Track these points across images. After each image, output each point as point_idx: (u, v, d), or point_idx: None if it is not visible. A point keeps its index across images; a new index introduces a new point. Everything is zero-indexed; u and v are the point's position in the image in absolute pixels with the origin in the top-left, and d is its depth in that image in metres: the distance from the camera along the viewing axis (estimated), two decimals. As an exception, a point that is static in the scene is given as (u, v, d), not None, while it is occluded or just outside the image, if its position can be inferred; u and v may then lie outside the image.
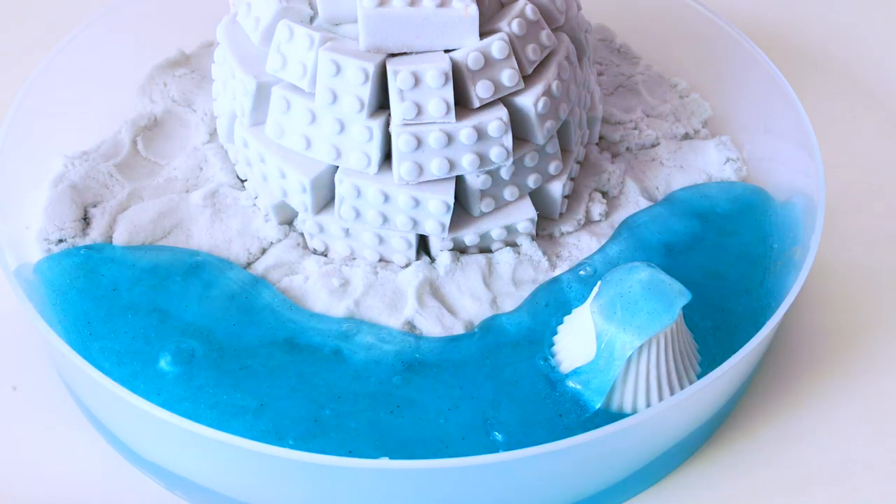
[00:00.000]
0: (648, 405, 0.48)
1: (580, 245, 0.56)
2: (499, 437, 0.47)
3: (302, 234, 0.56)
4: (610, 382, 0.48)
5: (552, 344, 0.51)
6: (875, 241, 0.63)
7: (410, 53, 0.50)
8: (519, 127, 0.53)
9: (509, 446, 0.46)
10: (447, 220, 0.53)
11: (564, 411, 0.48)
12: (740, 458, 0.53)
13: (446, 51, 0.50)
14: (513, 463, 0.44)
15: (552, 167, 0.55)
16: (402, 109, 0.50)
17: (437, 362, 0.50)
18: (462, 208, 0.54)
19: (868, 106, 0.72)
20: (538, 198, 0.56)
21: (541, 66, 0.53)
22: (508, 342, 0.51)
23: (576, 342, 0.49)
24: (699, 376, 0.49)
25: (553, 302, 0.53)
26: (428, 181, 0.52)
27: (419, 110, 0.50)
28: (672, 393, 0.48)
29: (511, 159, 0.52)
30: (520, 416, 0.48)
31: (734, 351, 0.48)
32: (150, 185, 0.58)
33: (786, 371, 0.56)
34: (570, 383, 0.49)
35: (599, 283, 0.49)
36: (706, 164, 0.61)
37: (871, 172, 0.67)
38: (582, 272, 0.55)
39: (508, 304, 0.54)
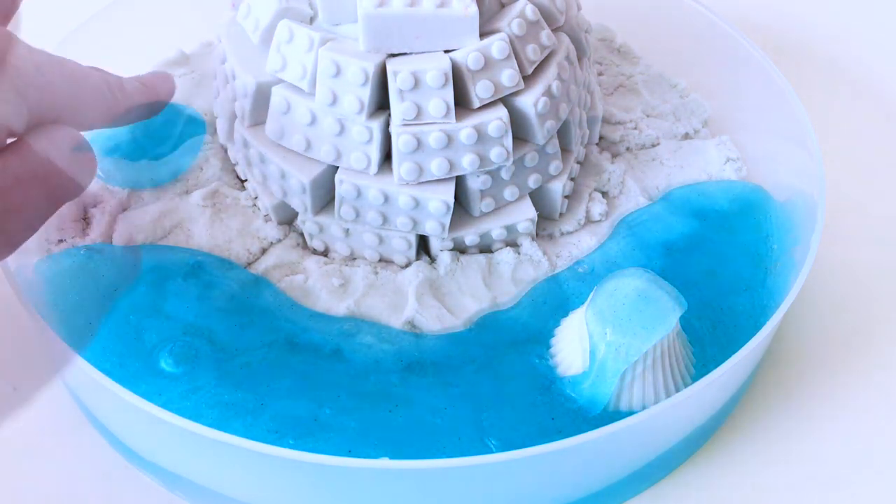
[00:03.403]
0: (643, 408, 0.48)
1: (580, 245, 0.56)
2: (492, 441, 0.47)
3: (302, 234, 0.56)
4: (606, 397, 0.48)
5: (549, 346, 0.51)
6: (875, 241, 0.63)
7: (410, 54, 0.50)
8: (519, 127, 0.53)
9: (501, 448, 0.46)
10: (447, 220, 0.53)
11: (558, 414, 0.48)
12: (740, 458, 0.53)
13: (446, 51, 0.50)
14: (511, 463, 0.44)
15: (552, 167, 0.55)
16: (402, 110, 0.50)
17: (435, 361, 0.50)
18: (462, 208, 0.54)
19: (868, 106, 0.72)
20: (538, 198, 0.56)
21: (541, 66, 0.53)
22: (506, 340, 0.51)
23: (573, 346, 0.49)
24: (694, 378, 0.49)
25: (551, 299, 0.53)
26: (428, 181, 0.52)
27: (419, 111, 0.50)
28: (668, 396, 0.48)
29: (511, 159, 0.52)
30: (514, 417, 0.48)
31: (734, 350, 0.48)
32: (150, 186, 0.58)
33: (786, 371, 0.56)
34: (566, 390, 0.49)
35: (595, 289, 0.49)
36: (706, 164, 0.61)
37: (871, 172, 0.67)
38: (580, 269, 0.55)
39: (508, 304, 0.54)
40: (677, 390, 0.48)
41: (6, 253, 0.39)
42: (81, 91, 0.43)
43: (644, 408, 0.48)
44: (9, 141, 0.41)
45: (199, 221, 0.56)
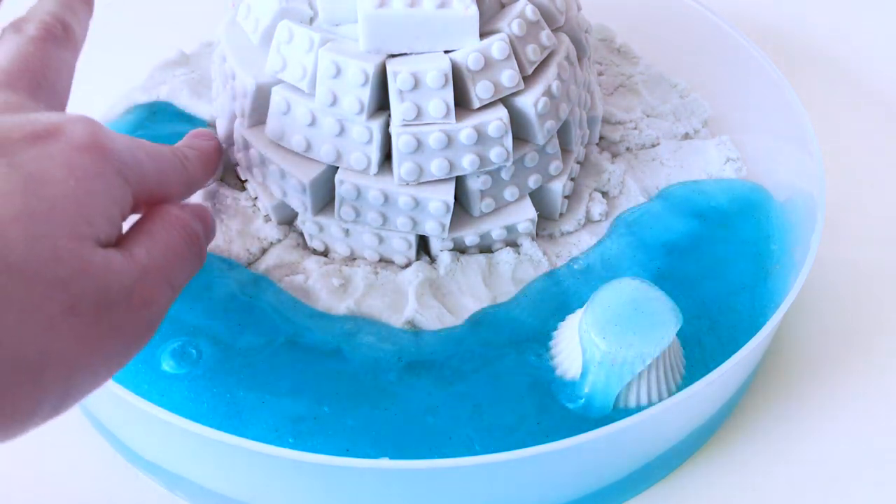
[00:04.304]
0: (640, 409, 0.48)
1: (580, 245, 0.56)
2: (491, 441, 0.47)
3: (302, 235, 0.56)
4: (604, 411, 0.48)
5: (549, 348, 0.51)
6: (875, 241, 0.63)
7: (410, 54, 0.50)
8: (519, 127, 0.53)
9: (500, 448, 0.46)
10: (447, 220, 0.53)
11: (556, 414, 0.48)
12: (740, 458, 0.53)
13: (446, 51, 0.50)
14: (510, 464, 0.44)
15: (552, 167, 0.55)
16: (402, 110, 0.50)
17: (435, 360, 0.50)
18: (462, 209, 0.54)
19: (868, 105, 0.72)
20: (538, 198, 0.56)
21: (541, 66, 0.53)
22: (505, 338, 0.51)
23: (572, 347, 0.49)
24: (692, 379, 0.49)
25: (549, 298, 0.53)
26: (428, 182, 0.52)
27: (419, 111, 0.50)
28: (666, 396, 0.48)
29: (511, 160, 0.52)
30: (512, 416, 0.48)
31: (733, 351, 0.48)
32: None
33: (786, 371, 0.56)
34: (564, 396, 0.49)
35: (591, 299, 0.48)
36: (706, 164, 0.61)
37: (871, 172, 0.67)
38: (575, 266, 0.55)
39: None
40: (677, 390, 0.48)
41: (147, 339, 0.40)
42: (165, 167, 0.44)
43: (641, 408, 0.48)
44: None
45: (199, 222, 0.56)
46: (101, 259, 0.37)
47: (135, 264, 0.39)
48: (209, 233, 0.46)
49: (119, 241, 0.40)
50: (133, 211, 0.42)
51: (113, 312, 0.37)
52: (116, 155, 0.40)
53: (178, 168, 0.46)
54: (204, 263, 0.44)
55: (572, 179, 0.58)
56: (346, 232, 0.54)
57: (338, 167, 0.52)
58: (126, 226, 0.41)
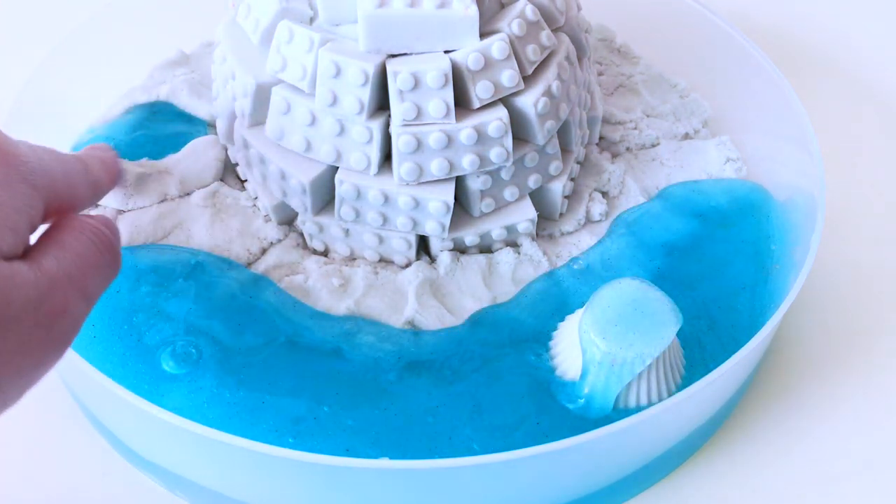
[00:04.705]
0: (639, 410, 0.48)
1: (580, 245, 0.56)
2: (490, 441, 0.47)
3: (302, 235, 0.56)
4: (603, 412, 0.48)
5: (549, 347, 0.51)
6: (875, 241, 0.63)
7: (410, 54, 0.50)
8: (519, 127, 0.53)
9: (500, 448, 0.46)
10: (447, 220, 0.53)
11: (556, 414, 0.48)
12: (740, 459, 0.53)
13: (446, 51, 0.50)
14: (510, 464, 0.44)
15: (552, 167, 0.55)
16: (402, 110, 0.50)
17: (434, 360, 0.50)
18: (462, 209, 0.54)
19: (868, 106, 0.72)
20: (538, 198, 0.56)
21: (541, 66, 0.53)
22: (504, 338, 0.51)
23: (572, 348, 0.49)
24: (692, 379, 0.49)
25: (549, 297, 0.53)
26: (428, 182, 0.52)
27: (419, 111, 0.50)
28: (665, 396, 0.48)
29: (511, 160, 0.52)
30: (512, 416, 0.48)
31: (732, 351, 0.48)
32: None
33: (786, 371, 0.56)
34: (563, 398, 0.49)
35: (591, 299, 0.48)
36: (706, 164, 0.61)
37: (871, 172, 0.67)
38: (575, 266, 0.55)
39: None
40: (677, 390, 0.48)
41: (62, 351, 0.39)
42: (71, 171, 0.42)
43: (641, 409, 0.48)
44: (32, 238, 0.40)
45: (199, 221, 0.56)
46: (5, 271, 0.36)
47: (42, 275, 0.37)
48: (118, 241, 0.44)
49: (27, 252, 0.38)
50: (43, 219, 0.40)
51: (20, 327, 0.36)
52: (22, 161, 0.38)
53: (83, 172, 0.44)
54: (119, 271, 0.42)
55: (572, 179, 0.58)
56: (346, 232, 0.54)
57: (338, 167, 0.52)
58: (34, 239, 0.40)
